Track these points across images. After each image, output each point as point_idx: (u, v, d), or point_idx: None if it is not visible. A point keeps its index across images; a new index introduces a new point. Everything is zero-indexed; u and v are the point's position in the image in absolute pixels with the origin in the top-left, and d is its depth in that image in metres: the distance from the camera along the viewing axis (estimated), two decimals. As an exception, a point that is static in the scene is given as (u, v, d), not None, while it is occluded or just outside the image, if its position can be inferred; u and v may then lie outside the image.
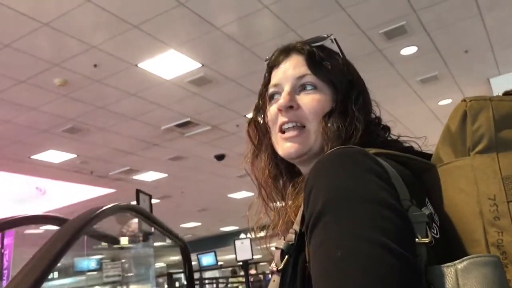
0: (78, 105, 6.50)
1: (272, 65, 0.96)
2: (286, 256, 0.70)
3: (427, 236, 0.61)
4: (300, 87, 0.89)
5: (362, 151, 0.67)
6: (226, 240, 19.94)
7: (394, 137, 0.91)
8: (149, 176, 10.23)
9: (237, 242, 6.47)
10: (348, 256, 0.54)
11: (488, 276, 0.55)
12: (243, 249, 6.36)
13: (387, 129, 0.93)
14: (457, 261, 0.57)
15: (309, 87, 0.88)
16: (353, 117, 0.85)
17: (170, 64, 5.74)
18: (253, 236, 0.96)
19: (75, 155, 8.44)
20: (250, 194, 12.91)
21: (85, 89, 6.08)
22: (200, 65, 5.83)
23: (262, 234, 0.95)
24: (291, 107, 0.87)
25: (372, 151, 0.70)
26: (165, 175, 10.27)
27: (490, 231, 0.64)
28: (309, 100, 0.87)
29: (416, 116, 8.53)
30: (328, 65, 0.90)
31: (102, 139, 7.89)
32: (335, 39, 0.94)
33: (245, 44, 5.49)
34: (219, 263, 21.77)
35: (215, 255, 19.78)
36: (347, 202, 0.59)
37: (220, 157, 9.31)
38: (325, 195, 0.61)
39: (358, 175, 0.62)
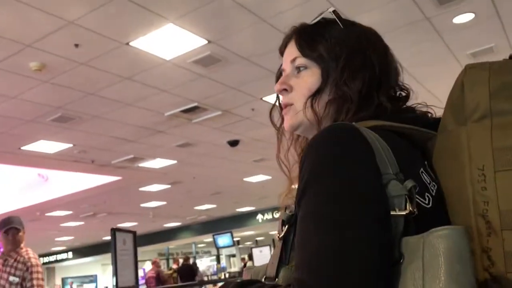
0: (64, 91, 5.50)
1: (281, 52, 0.96)
2: (287, 226, 0.79)
3: (405, 209, 0.63)
4: (296, 69, 0.90)
5: (348, 129, 0.70)
6: (243, 220, 19.18)
7: (413, 106, 0.88)
8: (156, 163, 9.31)
9: (255, 251, 5.51)
10: (320, 229, 0.62)
11: (451, 248, 0.57)
12: (262, 259, 5.38)
13: (401, 99, 0.89)
14: (426, 232, 0.59)
15: (301, 68, 0.89)
16: (343, 92, 0.83)
17: (169, 42, 4.68)
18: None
19: (71, 145, 7.51)
20: (268, 177, 11.97)
21: (69, 73, 5.06)
22: (206, 41, 4.76)
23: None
24: (285, 90, 0.91)
25: (369, 123, 0.74)
26: (174, 161, 9.32)
27: (477, 201, 0.65)
28: (299, 81, 0.89)
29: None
30: (317, 44, 0.87)
31: (99, 128, 6.92)
32: (334, 11, 0.88)
33: (261, 15, 4.39)
34: (236, 239, 21.23)
35: (232, 236, 19.19)
36: (327, 180, 0.65)
37: (233, 143, 8.30)
38: (310, 172, 0.67)
39: (338, 155, 0.66)
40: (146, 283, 11.49)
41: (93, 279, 26.51)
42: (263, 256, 5.33)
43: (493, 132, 0.65)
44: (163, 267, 22.71)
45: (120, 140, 7.64)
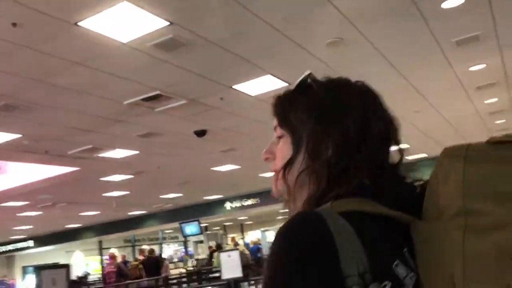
0: (4, 77, 4.83)
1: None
2: None
3: None
4: (277, 137, 0.88)
5: (313, 223, 0.66)
6: (210, 208, 18.69)
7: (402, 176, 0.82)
8: (117, 154, 8.67)
9: (223, 256, 5.01)
10: None
11: None
12: (230, 265, 4.91)
13: (386, 169, 0.77)
14: None
15: (281, 137, 0.86)
16: (312, 163, 0.78)
17: (125, 22, 4.07)
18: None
19: (19, 135, 6.79)
20: (236, 166, 11.50)
21: (9, 57, 4.40)
22: (168, 23, 4.17)
23: None
24: (267, 158, 0.89)
25: (342, 207, 0.68)
26: (136, 152, 8.70)
27: None
28: (278, 149, 0.86)
29: (438, 83, 7.03)
30: (288, 113, 0.84)
31: (51, 117, 6.25)
32: (310, 74, 0.84)
33: (231, -6, 3.85)
34: (204, 224, 20.76)
35: (199, 224, 18.69)
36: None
37: (200, 133, 7.75)
38: (268, 277, 0.66)
39: (296, 261, 0.64)
40: (104, 278, 10.85)
41: (56, 267, 25.76)
42: (231, 261, 4.84)
43: (466, 235, 0.61)
44: (129, 256, 22.10)
45: (76, 130, 6.98)
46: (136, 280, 11.42)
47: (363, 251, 0.64)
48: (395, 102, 5.96)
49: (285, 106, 0.85)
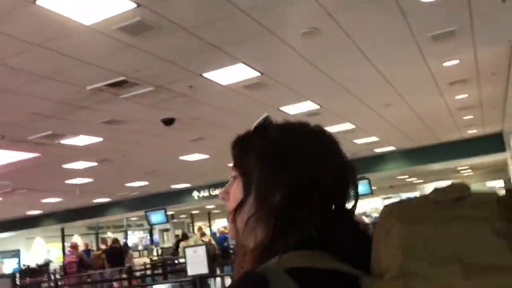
0: (-46, 58, 4.46)
1: None
2: None
3: None
4: (233, 178, 0.85)
5: (256, 284, 0.65)
6: (178, 196, 18.40)
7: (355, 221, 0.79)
8: (80, 141, 8.29)
9: (189, 251, 4.81)
10: None
11: None
12: (196, 261, 4.72)
13: (339, 217, 0.76)
14: None
15: (235, 179, 0.84)
16: (259, 209, 0.75)
17: (87, 3, 3.78)
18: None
19: (-28, 119, 6.38)
20: (205, 156, 11.26)
21: (-42, 35, 4.04)
22: (135, 5, 3.90)
23: None
24: (223, 198, 0.87)
25: (288, 262, 0.67)
26: (99, 139, 8.35)
27: None
28: (232, 191, 0.84)
29: (411, 77, 6.98)
30: (241, 155, 0.82)
31: (7, 101, 5.87)
32: (267, 117, 0.82)
33: (203, -23, 3.62)
34: (170, 212, 20.45)
35: (165, 212, 18.38)
36: None
37: (168, 122, 7.47)
38: None
39: None
40: (65, 268, 10.47)
41: (16, 254, 25.01)
42: (197, 257, 4.65)
43: None
44: (92, 244, 21.60)
45: (35, 116, 6.60)
46: (98, 271, 11.09)
47: None
48: (367, 94, 5.87)
49: (240, 148, 0.83)
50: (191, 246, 5.10)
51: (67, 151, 8.91)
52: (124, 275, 9.73)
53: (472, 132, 12.71)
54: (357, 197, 0.79)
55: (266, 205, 0.74)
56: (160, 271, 10.98)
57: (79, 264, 10.06)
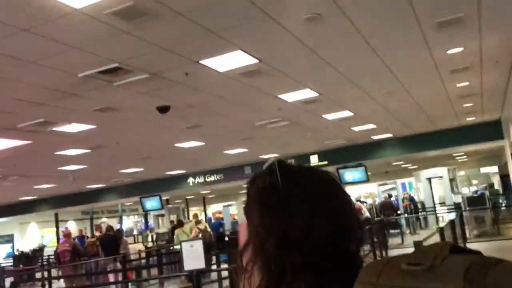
0: None
1: None
2: None
3: None
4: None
5: None
6: (173, 182, 18.25)
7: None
8: (72, 128, 8.07)
9: (185, 246, 4.65)
10: None
11: None
12: (192, 255, 4.56)
13: (335, 271, 0.72)
14: None
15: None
16: (258, 253, 0.75)
17: (77, -14, 3.56)
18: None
19: (-41, 106, 6.15)
20: (201, 143, 11.08)
21: None
22: (128, -11, 3.68)
23: None
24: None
25: None
26: (93, 126, 8.13)
27: None
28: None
29: (413, 65, 6.79)
30: (247, 199, 0.82)
31: (-5, 88, 5.64)
32: (273, 163, 0.79)
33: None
34: (165, 197, 20.31)
35: (160, 199, 18.24)
36: None
37: (163, 109, 7.27)
38: None
39: None
40: (58, 257, 10.30)
41: (9, 239, 24.89)
42: (194, 251, 4.50)
43: None
44: (87, 230, 21.48)
45: (26, 103, 6.37)
46: (92, 260, 10.95)
47: None
48: (368, 82, 5.64)
49: (247, 190, 0.83)
50: (187, 241, 4.94)
51: (60, 138, 8.70)
52: (118, 264, 9.59)
53: (470, 119, 12.57)
54: (362, 238, 0.79)
55: (260, 254, 0.74)
56: (155, 259, 10.84)
57: (73, 253, 9.89)
